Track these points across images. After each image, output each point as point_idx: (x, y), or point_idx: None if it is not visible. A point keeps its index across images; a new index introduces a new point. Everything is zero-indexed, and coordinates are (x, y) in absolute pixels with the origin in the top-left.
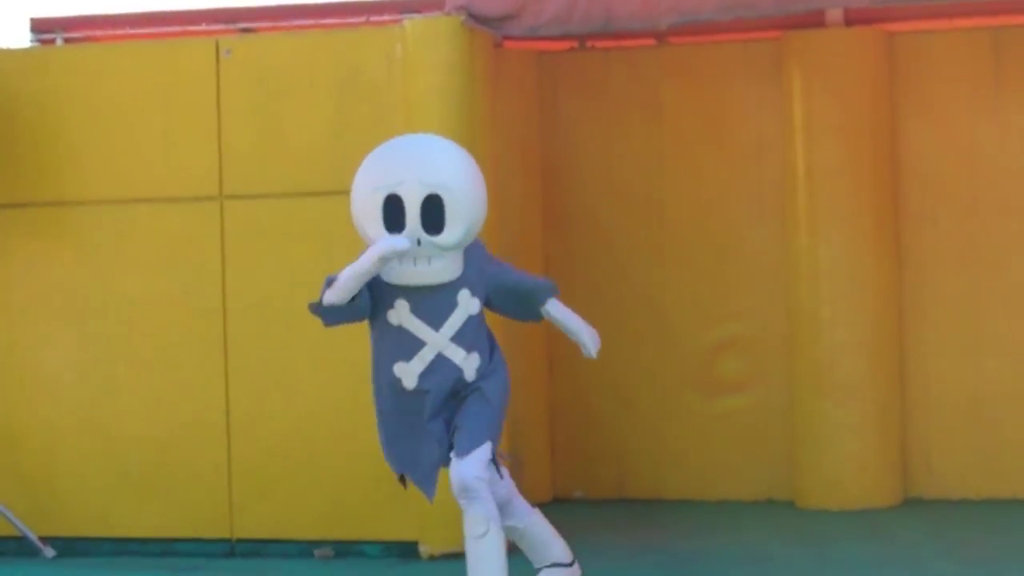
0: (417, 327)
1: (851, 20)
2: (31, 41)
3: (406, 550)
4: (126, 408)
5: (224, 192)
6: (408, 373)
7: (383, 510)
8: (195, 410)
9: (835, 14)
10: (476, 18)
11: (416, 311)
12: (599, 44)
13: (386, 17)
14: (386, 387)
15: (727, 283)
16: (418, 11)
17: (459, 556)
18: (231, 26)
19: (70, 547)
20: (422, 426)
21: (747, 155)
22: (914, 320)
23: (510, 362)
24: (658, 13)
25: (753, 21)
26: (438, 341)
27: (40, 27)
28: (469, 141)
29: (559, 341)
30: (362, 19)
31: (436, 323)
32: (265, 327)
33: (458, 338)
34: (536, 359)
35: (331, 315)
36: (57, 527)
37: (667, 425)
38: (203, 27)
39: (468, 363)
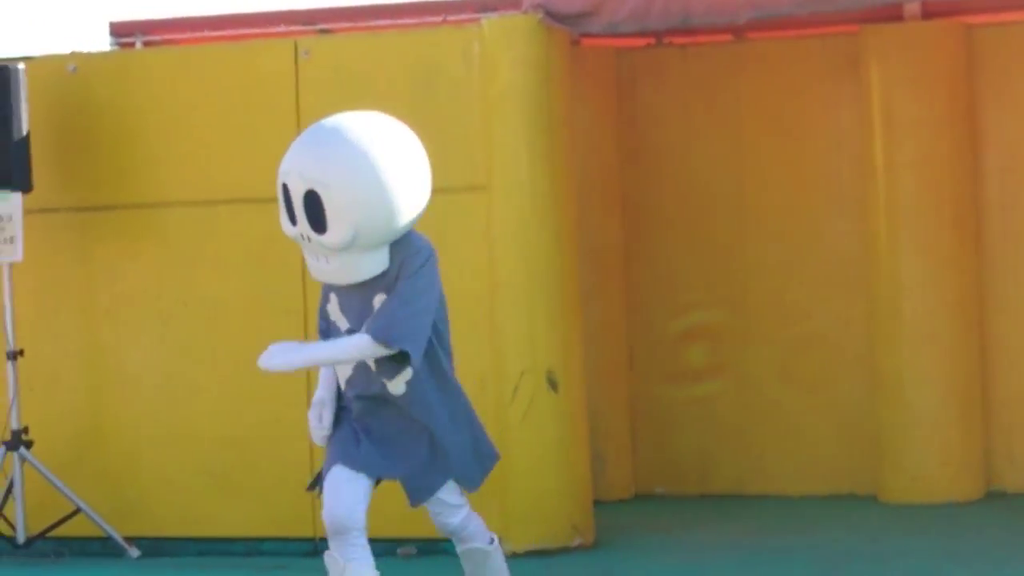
0: (343, 325)
1: (929, 13)
2: (111, 45)
3: None
4: (209, 408)
5: None
6: (341, 376)
7: None
8: (278, 409)
9: (913, 7)
10: (553, 16)
11: (343, 308)
12: (676, 40)
13: (463, 16)
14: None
15: (806, 278)
16: (495, 10)
17: (543, 553)
18: (309, 27)
19: (155, 547)
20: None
21: (826, 150)
22: (995, 312)
23: (591, 357)
24: (736, 8)
25: (831, 15)
26: None
27: (120, 31)
28: (547, 138)
29: (639, 336)
30: (439, 18)
31: (358, 324)
32: None
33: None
34: (616, 354)
35: None
36: (142, 527)
37: (749, 421)
38: (281, 28)
39: (393, 376)
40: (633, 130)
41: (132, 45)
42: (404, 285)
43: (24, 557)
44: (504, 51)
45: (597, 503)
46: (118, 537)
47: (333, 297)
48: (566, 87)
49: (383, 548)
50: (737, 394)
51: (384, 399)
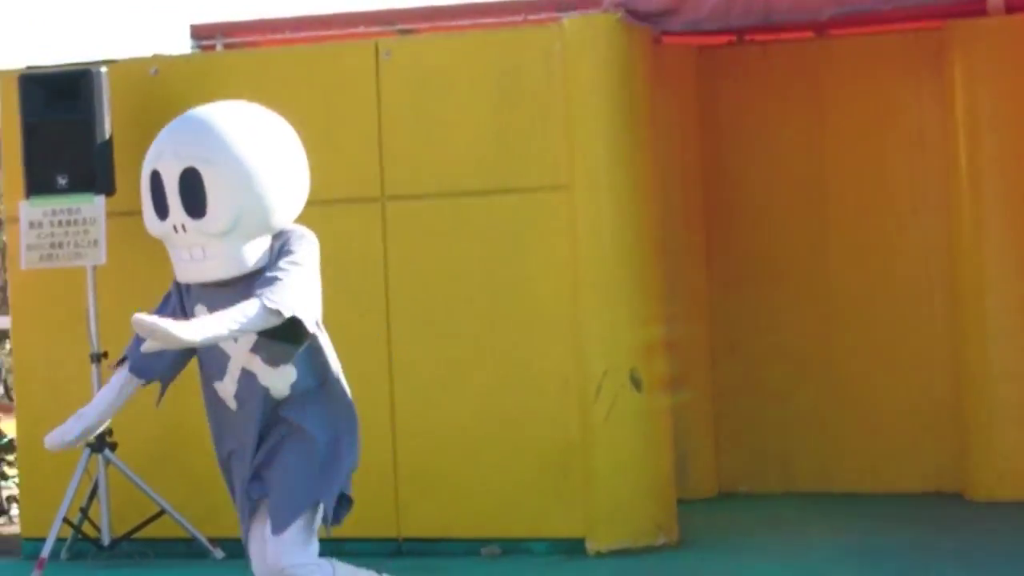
0: None
1: (1012, 7)
2: (192, 47)
3: (573, 547)
4: None
5: (386, 193)
6: (226, 393)
7: (549, 507)
8: (360, 409)
9: (996, 1)
10: (634, 14)
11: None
12: (758, 37)
13: (544, 16)
14: (207, 407)
15: (890, 274)
16: (575, 9)
17: (627, 552)
18: (390, 28)
19: (238, 548)
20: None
21: (909, 146)
22: None
23: (673, 356)
24: (819, 4)
25: (914, 10)
26: (239, 353)
27: (200, 33)
28: (629, 137)
29: (722, 334)
30: (519, 18)
31: None
32: (428, 326)
33: (259, 348)
34: (698, 352)
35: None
36: (226, 528)
37: (832, 418)
38: (362, 29)
39: (276, 379)
40: (714, 128)
41: (213, 47)
42: (289, 258)
43: (109, 559)
44: (585, 50)
45: (681, 502)
46: (202, 538)
47: (200, 309)
48: (647, 86)
49: (467, 548)
50: (820, 391)
51: (266, 415)
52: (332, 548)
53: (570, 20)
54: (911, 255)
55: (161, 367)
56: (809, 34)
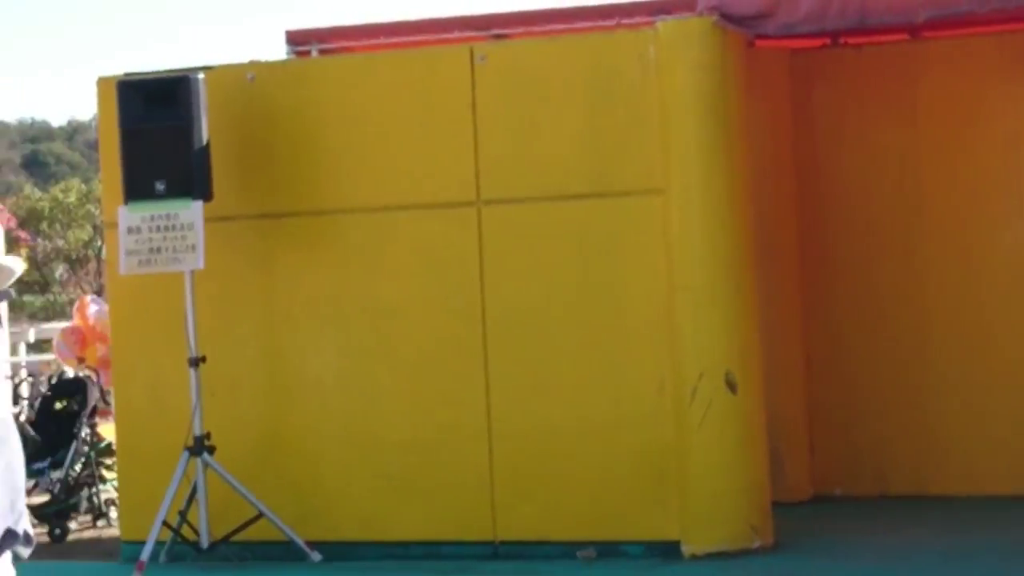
0: None
1: None
2: (287, 53)
3: (668, 550)
4: (388, 412)
5: (481, 197)
6: None
7: (645, 510)
8: (456, 413)
9: None
10: (729, 18)
11: None
12: (852, 40)
13: (638, 20)
14: None
15: (986, 276)
16: (670, 12)
17: (722, 555)
18: (484, 32)
19: (336, 551)
20: None
21: (1004, 149)
22: None
23: (768, 358)
24: (914, 7)
25: (1010, 12)
26: None
27: (296, 39)
28: (724, 140)
29: (816, 337)
30: (614, 22)
31: None
32: (524, 330)
33: None
34: (793, 355)
35: None
36: (323, 531)
37: (928, 421)
38: (456, 35)
39: None
40: (808, 131)
41: (308, 53)
42: None
43: (207, 561)
44: (680, 54)
45: (775, 505)
46: (300, 541)
47: None
48: (742, 89)
49: (563, 551)
50: (915, 393)
51: None
52: (428, 551)
53: (664, 24)
54: (1006, 257)
55: None
56: (904, 36)
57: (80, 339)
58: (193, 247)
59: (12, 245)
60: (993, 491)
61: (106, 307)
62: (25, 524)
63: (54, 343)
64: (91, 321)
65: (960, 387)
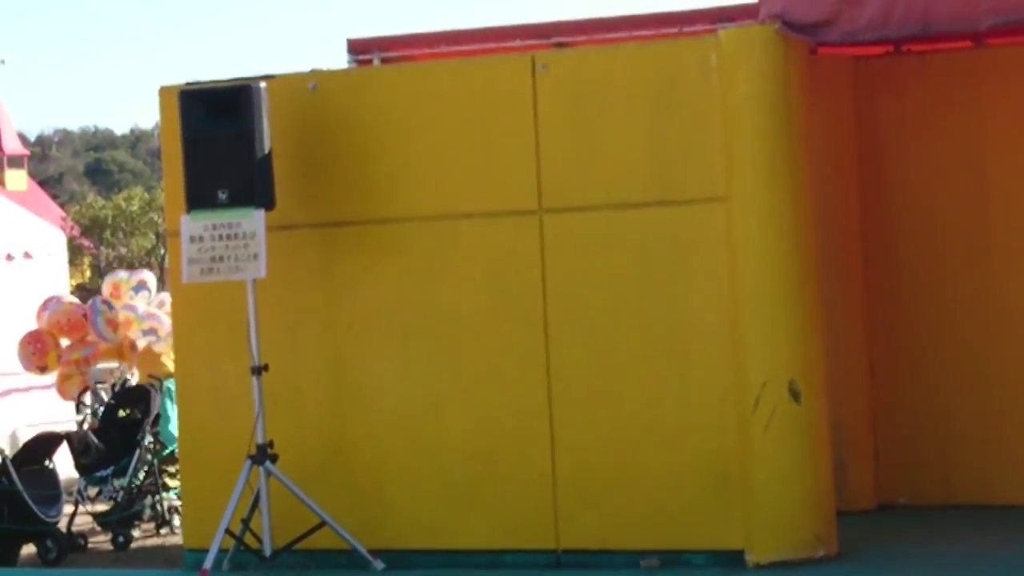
0: None
1: None
2: (349, 62)
3: (732, 559)
4: (452, 420)
5: (543, 206)
6: None
7: (708, 518)
8: (519, 421)
9: None
10: (791, 25)
11: None
12: (915, 48)
13: (699, 27)
14: None
15: None
16: (732, 20)
17: (786, 564)
18: (545, 41)
19: (399, 559)
20: None
21: None
22: None
23: (832, 366)
24: (978, 14)
25: None
26: None
27: (357, 48)
28: (786, 148)
29: (880, 344)
30: (675, 30)
31: None
32: (586, 338)
33: None
34: (856, 363)
35: None
36: (386, 540)
37: (995, 428)
38: (518, 43)
39: None
40: (871, 139)
41: (370, 62)
42: None
43: (270, 570)
44: (742, 62)
45: (840, 514)
46: (363, 550)
47: None
48: (804, 97)
49: (626, 560)
50: (981, 402)
51: None
52: (492, 559)
53: (726, 32)
54: None
55: None
56: (967, 44)
57: (39, 347)
58: (255, 256)
59: (75, 253)
60: None
61: (64, 303)
62: None
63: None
64: (44, 325)
65: None
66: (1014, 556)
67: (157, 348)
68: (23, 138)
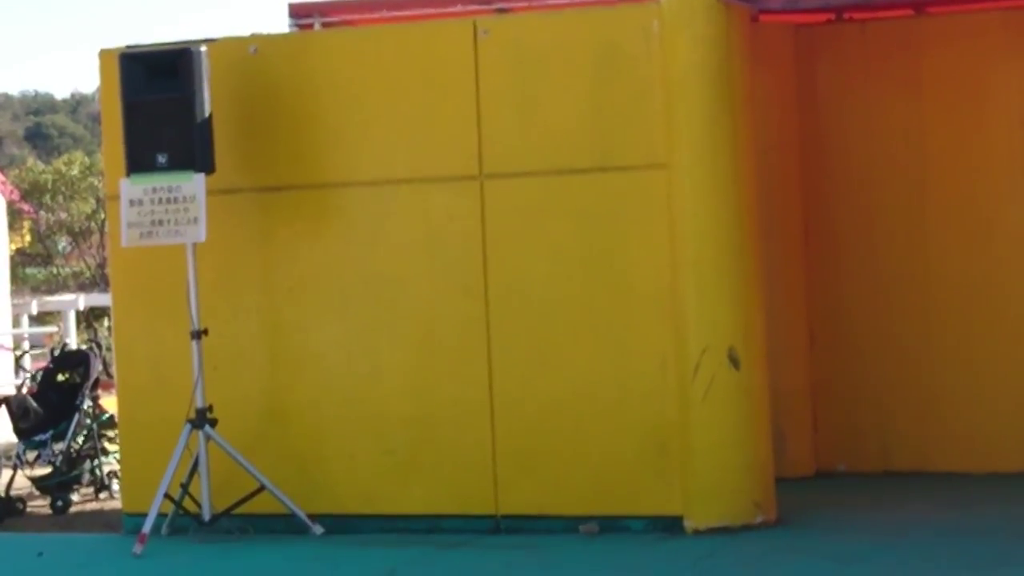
0: None
1: None
2: (290, 27)
3: (671, 525)
4: (390, 387)
5: (484, 171)
6: None
7: (647, 485)
8: (458, 388)
9: None
10: None
11: None
12: (856, 16)
13: None
14: None
15: (989, 254)
16: None
17: (725, 530)
18: (487, 6)
19: (338, 524)
20: None
21: (1010, 126)
22: None
23: (771, 334)
24: None
25: None
26: None
27: (298, 12)
28: (728, 116)
29: (819, 313)
30: None
31: None
32: (526, 304)
33: None
34: (797, 331)
35: None
36: (325, 505)
37: (932, 397)
38: (459, 8)
39: None
40: (812, 106)
41: (311, 27)
42: None
43: (209, 534)
44: (683, 29)
45: (778, 481)
46: (302, 515)
47: None
48: (746, 64)
49: (565, 525)
50: (919, 371)
51: None
52: (430, 524)
53: None
54: (1012, 235)
55: None
56: (908, 12)
57: None
58: (195, 220)
59: (15, 218)
60: (996, 468)
61: None
62: None
63: None
64: None
65: (964, 363)
66: (949, 522)
67: None
68: None
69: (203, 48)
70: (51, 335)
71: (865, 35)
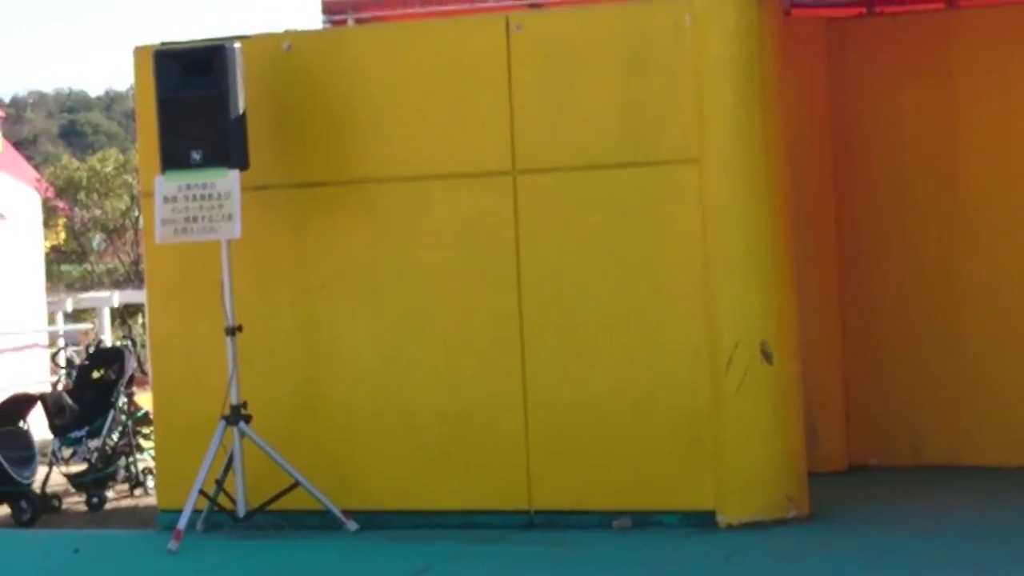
0: None
1: None
2: (323, 23)
3: (704, 519)
4: (424, 382)
5: (517, 167)
6: None
7: (680, 480)
8: (492, 383)
9: None
10: None
11: None
12: (888, 9)
13: None
14: None
15: (1020, 248)
16: None
17: (758, 525)
18: (520, 1)
19: (372, 520)
20: None
21: None
22: None
23: (805, 328)
24: None
25: None
26: None
27: (332, 9)
28: (760, 110)
29: (852, 306)
30: None
31: None
32: (559, 299)
33: None
34: (830, 325)
35: None
36: (359, 501)
37: (964, 391)
38: (492, 3)
39: None
40: (844, 100)
41: (344, 23)
42: None
43: (244, 530)
44: (716, 22)
45: (811, 475)
46: (336, 510)
47: None
48: (778, 58)
49: (598, 520)
50: (951, 365)
51: None
52: (463, 520)
53: None
54: None
55: None
56: (940, 5)
57: None
58: (230, 216)
59: (50, 215)
60: None
61: None
62: None
63: None
64: None
65: (997, 356)
66: (982, 516)
67: None
68: None
69: (237, 45)
70: (86, 332)
71: (897, 28)
